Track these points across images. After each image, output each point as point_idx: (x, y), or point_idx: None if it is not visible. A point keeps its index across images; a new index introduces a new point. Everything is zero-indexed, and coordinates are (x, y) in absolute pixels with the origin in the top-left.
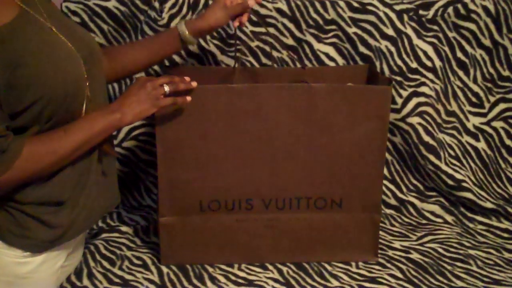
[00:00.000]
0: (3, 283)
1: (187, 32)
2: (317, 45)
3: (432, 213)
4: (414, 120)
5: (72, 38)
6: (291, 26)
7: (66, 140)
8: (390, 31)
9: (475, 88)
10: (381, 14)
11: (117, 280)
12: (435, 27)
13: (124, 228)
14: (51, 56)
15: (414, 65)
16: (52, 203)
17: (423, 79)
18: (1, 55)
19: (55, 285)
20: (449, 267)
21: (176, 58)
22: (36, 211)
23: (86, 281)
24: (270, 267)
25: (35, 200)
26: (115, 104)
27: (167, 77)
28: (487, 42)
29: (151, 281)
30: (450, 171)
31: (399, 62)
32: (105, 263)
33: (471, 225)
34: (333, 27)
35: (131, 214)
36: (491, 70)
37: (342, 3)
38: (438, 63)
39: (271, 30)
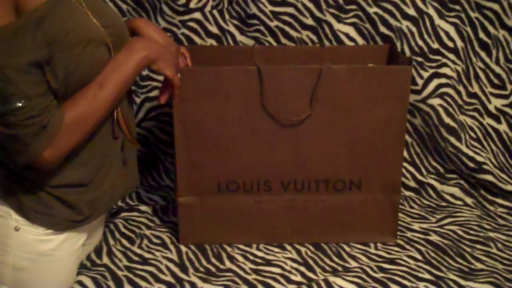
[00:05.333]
0: (26, 260)
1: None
2: (337, 25)
3: (452, 195)
4: (435, 101)
5: (104, 22)
6: (310, 5)
7: (103, 94)
8: (411, 11)
9: (497, 69)
10: None
11: (136, 258)
12: (457, 7)
13: (143, 208)
14: (83, 40)
15: (435, 45)
16: (75, 185)
17: (444, 60)
18: (41, 32)
19: (77, 263)
20: (468, 249)
21: (195, 38)
22: (60, 192)
23: (105, 259)
24: (289, 247)
25: (56, 183)
26: (140, 42)
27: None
28: (510, 22)
29: (170, 260)
30: (470, 153)
31: (420, 43)
32: (125, 242)
33: (491, 208)
34: (354, 7)
35: (150, 194)
36: None
37: None
38: (460, 43)
39: (291, 9)
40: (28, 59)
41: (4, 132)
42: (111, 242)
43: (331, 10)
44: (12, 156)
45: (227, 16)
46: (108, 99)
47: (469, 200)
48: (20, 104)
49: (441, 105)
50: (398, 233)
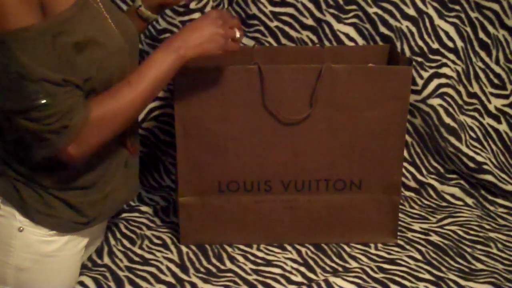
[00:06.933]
0: (30, 261)
1: (142, 8)
2: (337, 26)
3: (452, 195)
4: (435, 101)
5: (121, 29)
6: (310, 6)
7: (133, 92)
8: (411, 11)
9: (497, 69)
10: None
11: (137, 258)
12: (457, 7)
13: (144, 208)
14: (103, 47)
15: (435, 45)
16: (78, 188)
17: (444, 60)
18: (63, 38)
19: (79, 264)
20: (469, 250)
21: None
22: (63, 194)
23: (106, 259)
24: (289, 247)
25: (60, 186)
26: (178, 39)
27: (237, 20)
28: (510, 22)
29: (170, 260)
30: (471, 153)
31: (420, 43)
32: (126, 242)
33: (491, 208)
34: (354, 7)
35: (151, 195)
36: None
37: None
38: (459, 43)
39: (291, 10)
40: (52, 59)
41: (26, 127)
42: (112, 242)
43: (331, 10)
44: (32, 150)
45: None
46: (138, 98)
47: (469, 200)
48: (45, 101)
49: (441, 105)
50: (398, 233)
